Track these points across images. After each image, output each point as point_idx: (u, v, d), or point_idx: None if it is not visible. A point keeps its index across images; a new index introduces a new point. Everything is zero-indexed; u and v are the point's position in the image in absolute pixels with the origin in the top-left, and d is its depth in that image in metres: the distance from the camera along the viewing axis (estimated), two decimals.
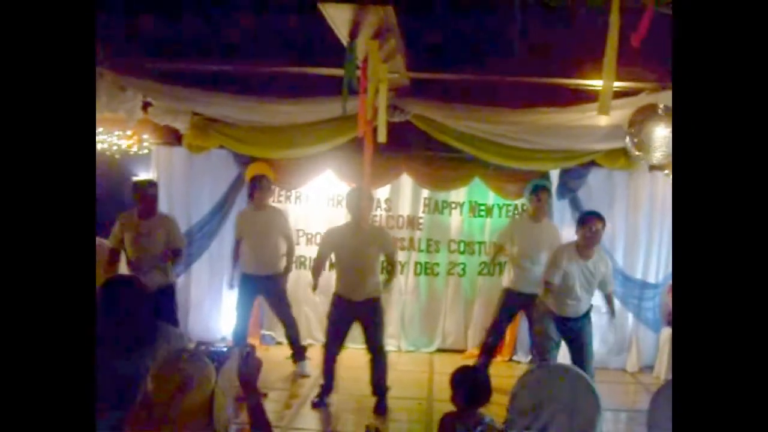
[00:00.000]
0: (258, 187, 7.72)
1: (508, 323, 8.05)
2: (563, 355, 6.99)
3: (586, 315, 6.68)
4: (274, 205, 8.22)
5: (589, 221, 6.45)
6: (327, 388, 6.93)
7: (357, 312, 6.77)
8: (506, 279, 7.87)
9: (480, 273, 9.01)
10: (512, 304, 7.64)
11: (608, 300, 6.86)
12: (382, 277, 6.92)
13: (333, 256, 7.02)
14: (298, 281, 8.73)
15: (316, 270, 7.06)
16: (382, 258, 6.87)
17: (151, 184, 7.47)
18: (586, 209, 8.02)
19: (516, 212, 8.86)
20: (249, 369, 2.86)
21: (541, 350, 6.79)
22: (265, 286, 7.81)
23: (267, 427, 2.82)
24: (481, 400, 4.17)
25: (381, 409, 6.80)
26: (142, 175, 9.54)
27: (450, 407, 4.27)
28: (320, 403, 6.87)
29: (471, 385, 4.18)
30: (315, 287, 7.15)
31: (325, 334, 7.04)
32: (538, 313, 6.81)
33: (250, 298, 7.86)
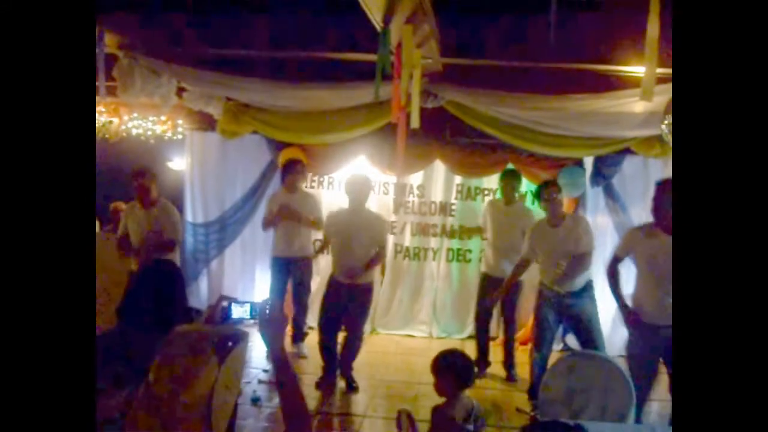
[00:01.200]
0: (291, 171, 7.81)
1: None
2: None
3: (585, 291, 6.54)
4: (306, 189, 8.27)
5: (544, 190, 6.56)
6: (331, 370, 7.03)
7: (348, 295, 6.89)
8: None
9: None
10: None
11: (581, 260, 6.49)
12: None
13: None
14: None
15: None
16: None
17: (137, 174, 7.32)
18: (621, 197, 7.99)
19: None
20: (271, 323, 2.70)
21: (536, 337, 6.75)
22: (293, 268, 7.92)
23: (299, 402, 2.66)
24: (468, 382, 4.14)
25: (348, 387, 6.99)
26: (177, 160, 9.62)
27: (483, 395, 4.23)
28: (323, 384, 6.98)
29: (457, 369, 4.15)
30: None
31: (319, 317, 7.16)
32: (537, 300, 6.77)
33: (282, 280, 7.97)
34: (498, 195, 8.72)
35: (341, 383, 7.06)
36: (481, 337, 7.86)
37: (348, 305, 6.92)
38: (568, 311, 6.50)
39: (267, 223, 7.96)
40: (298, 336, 8.10)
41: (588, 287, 6.56)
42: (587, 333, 6.47)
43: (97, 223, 9.55)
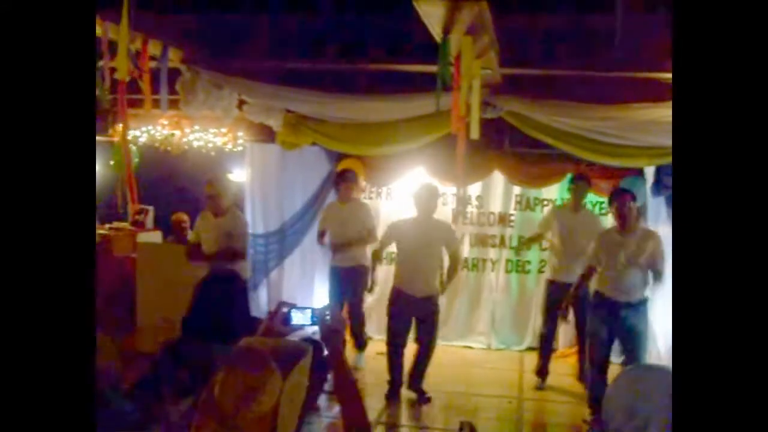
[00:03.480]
0: (343, 181, 7.95)
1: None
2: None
3: (641, 305, 6.45)
4: (359, 198, 8.30)
5: (617, 198, 6.47)
6: (396, 382, 6.99)
7: (415, 307, 6.85)
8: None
9: None
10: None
11: (655, 276, 6.39)
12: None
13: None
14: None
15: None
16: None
17: (207, 183, 7.27)
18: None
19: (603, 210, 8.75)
20: (331, 329, 2.68)
21: (590, 348, 6.66)
22: (348, 277, 7.95)
23: (359, 409, 2.64)
24: None
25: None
26: (237, 172, 9.74)
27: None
28: (391, 396, 6.95)
29: None
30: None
31: (387, 329, 7.13)
32: (590, 305, 6.72)
33: (338, 289, 8.01)
34: (558, 202, 8.71)
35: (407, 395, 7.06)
36: (546, 346, 7.78)
37: (417, 317, 6.91)
38: (622, 322, 6.40)
39: (320, 236, 8.03)
40: (358, 345, 8.09)
41: (644, 302, 6.47)
42: (633, 347, 6.40)
43: (159, 234, 9.73)
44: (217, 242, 7.12)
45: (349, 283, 7.97)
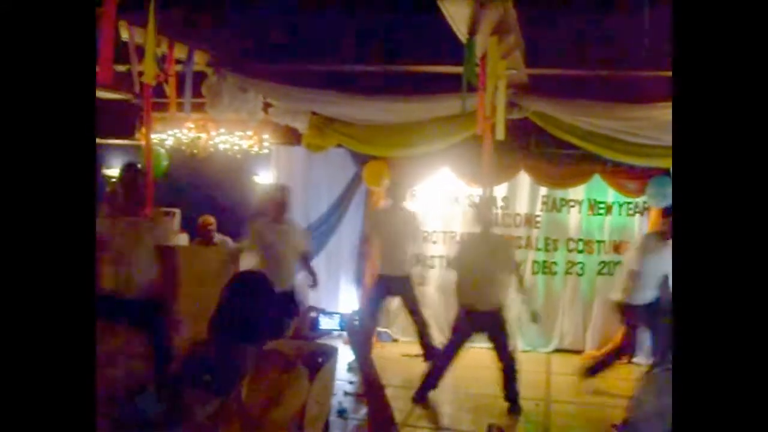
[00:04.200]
0: (398, 187, 7.90)
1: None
2: None
3: None
4: (407, 206, 8.24)
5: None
6: (429, 386, 6.92)
7: (482, 322, 6.72)
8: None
9: (599, 273, 8.84)
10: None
11: None
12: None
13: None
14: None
15: None
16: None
17: (282, 189, 7.23)
18: None
19: (637, 210, 8.67)
20: (360, 334, 2.68)
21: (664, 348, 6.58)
22: (396, 287, 7.79)
23: (386, 413, 2.64)
24: None
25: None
26: (262, 174, 9.77)
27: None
28: (419, 398, 6.86)
29: None
30: None
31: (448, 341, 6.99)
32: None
33: (381, 296, 7.89)
34: (585, 203, 8.75)
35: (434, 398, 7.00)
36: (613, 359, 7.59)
37: (486, 333, 6.82)
38: None
39: (365, 242, 7.94)
40: (430, 354, 7.75)
41: None
42: None
43: (186, 236, 9.78)
44: (295, 247, 7.09)
45: (398, 292, 7.84)
